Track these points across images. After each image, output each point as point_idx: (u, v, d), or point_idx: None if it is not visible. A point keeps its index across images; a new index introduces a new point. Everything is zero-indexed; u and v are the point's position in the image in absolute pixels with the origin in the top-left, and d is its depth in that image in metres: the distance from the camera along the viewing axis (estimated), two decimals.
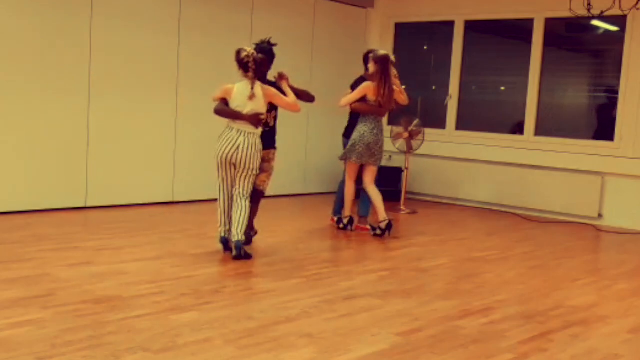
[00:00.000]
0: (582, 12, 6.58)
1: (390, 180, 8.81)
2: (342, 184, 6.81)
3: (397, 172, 8.88)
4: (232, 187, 5.33)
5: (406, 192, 8.66)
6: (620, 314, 4.42)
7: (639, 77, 7.79)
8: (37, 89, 6.63)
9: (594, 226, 7.86)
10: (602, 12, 6.47)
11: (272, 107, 5.45)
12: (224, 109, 5.24)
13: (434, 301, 4.46)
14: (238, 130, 5.20)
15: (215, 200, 5.41)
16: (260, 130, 5.27)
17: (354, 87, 6.65)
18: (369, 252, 6.04)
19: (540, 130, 8.56)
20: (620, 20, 7.81)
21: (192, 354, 3.30)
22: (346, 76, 9.49)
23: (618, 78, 7.97)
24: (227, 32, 8.06)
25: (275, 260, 5.34)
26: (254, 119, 5.18)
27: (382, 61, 6.36)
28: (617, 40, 8.08)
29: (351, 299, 4.39)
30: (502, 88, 9.62)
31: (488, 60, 9.52)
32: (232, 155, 5.19)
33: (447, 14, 9.18)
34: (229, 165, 5.24)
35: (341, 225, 6.70)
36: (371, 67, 6.42)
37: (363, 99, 6.44)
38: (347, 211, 6.68)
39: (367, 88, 6.39)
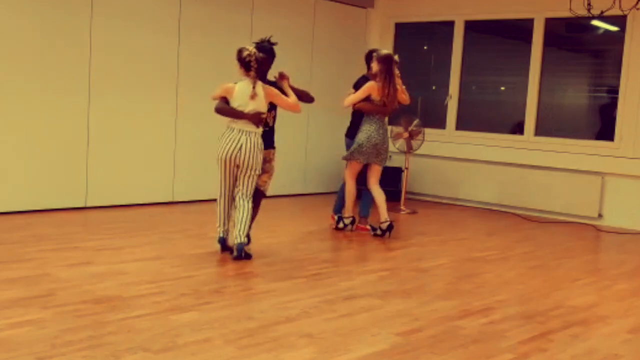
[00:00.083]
0: (582, 12, 6.58)
1: (390, 180, 8.80)
2: (345, 183, 6.78)
3: (397, 172, 8.88)
4: (234, 188, 5.32)
5: (406, 192, 8.66)
6: (620, 314, 4.42)
7: (639, 77, 7.79)
8: (37, 89, 6.63)
9: (594, 226, 7.86)
10: (602, 12, 6.47)
11: (271, 107, 5.44)
12: (225, 108, 5.22)
13: (434, 301, 4.46)
14: (239, 130, 5.18)
15: (214, 200, 5.40)
16: (261, 129, 5.26)
17: (356, 86, 6.62)
18: (369, 252, 6.04)
19: (540, 130, 8.56)
20: (620, 20, 7.82)
21: (192, 354, 3.30)
22: (346, 76, 9.50)
23: (618, 78, 7.97)
24: (227, 32, 8.06)
25: (275, 260, 5.34)
26: (255, 118, 5.18)
27: (386, 61, 6.35)
28: (617, 40, 8.08)
29: (351, 299, 4.39)
30: (502, 88, 9.63)
31: (488, 60, 9.52)
32: (235, 156, 5.17)
33: (447, 14, 9.18)
34: (232, 166, 5.22)
35: (341, 225, 6.68)
36: (374, 66, 6.40)
37: (367, 99, 6.42)
38: (348, 211, 6.66)
39: (372, 88, 6.37)
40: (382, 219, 6.49)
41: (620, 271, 5.73)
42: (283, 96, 5.38)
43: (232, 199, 5.33)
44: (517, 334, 3.89)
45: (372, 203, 6.68)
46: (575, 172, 8.12)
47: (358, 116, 6.60)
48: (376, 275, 5.11)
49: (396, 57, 6.43)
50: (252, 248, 5.42)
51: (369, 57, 6.76)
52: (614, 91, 8.11)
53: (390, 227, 6.47)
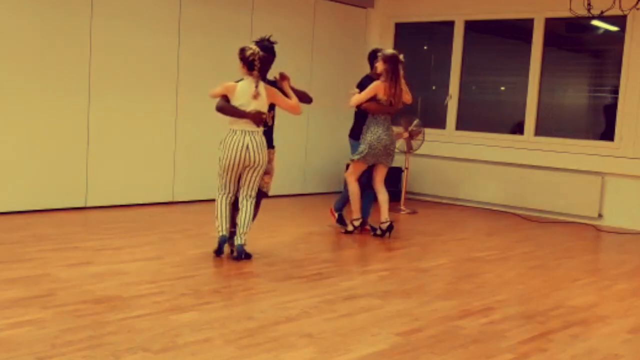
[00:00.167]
0: (582, 12, 6.58)
1: (390, 180, 8.77)
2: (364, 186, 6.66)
3: (397, 172, 8.88)
4: (236, 190, 5.30)
5: (406, 192, 8.66)
6: (620, 314, 4.42)
7: (639, 77, 7.79)
8: (37, 89, 6.63)
9: (594, 226, 7.86)
10: (602, 12, 6.47)
11: (270, 107, 5.42)
12: (227, 107, 5.16)
13: (434, 301, 4.46)
14: (242, 132, 5.14)
15: (214, 200, 5.38)
16: (262, 128, 5.24)
17: (360, 86, 6.56)
18: (369, 252, 6.04)
19: (540, 130, 8.56)
20: (620, 20, 7.82)
21: (192, 354, 3.30)
22: (346, 76, 9.53)
23: (618, 78, 7.97)
24: (227, 32, 8.06)
25: (275, 260, 5.34)
26: (256, 118, 5.14)
27: (392, 60, 6.31)
28: (617, 40, 8.08)
29: (351, 299, 4.39)
30: (502, 88, 9.63)
31: (488, 60, 9.52)
32: (244, 157, 5.12)
33: (447, 14, 9.18)
34: (239, 168, 5.17)
35: (350, 228, 6.55)
36: (379, 66, 6.35)
37: (372, 99, 6.38)
38: (356, 213, 6.54)
39: (378, 87, 6.32)
40: (383, 219, 6.48)
41: (620, 271, 5.73)
42: (284, 97, 5.36)
43: (232, 202, 5.30)
44: (517, 334, 3.89)
45: (373, 203, 6.66)
46: (575, 172, 8.12)
47: (361, 116, 6.56)
48: (376, 275, 5.11)
49: (401, 57, 6.39)
50: (252, 248, 5.42)
51: (372, 57, 6.74)
52: (613, 91, 8.12)
53: (390, 228, 6.47)
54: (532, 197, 8.43)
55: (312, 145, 9.27)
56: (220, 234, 5.26)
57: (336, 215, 6.79)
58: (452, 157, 9.05)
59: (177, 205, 7.75)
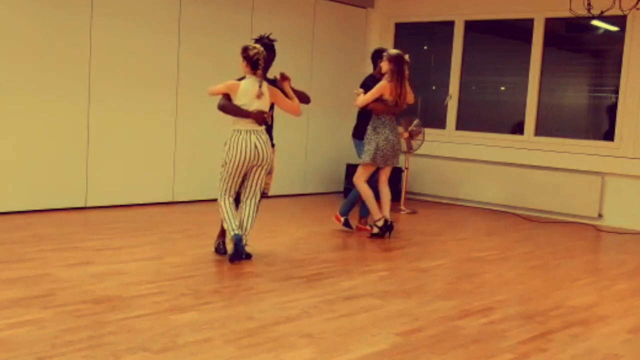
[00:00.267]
0: (582, 12, 6.58)
1: (390, 180, 8.76)
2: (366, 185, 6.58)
3: (397, 172, 8.87)
4: (240, 189, 5.28)
5: (406, 192, 8.66)
6: (620, 314, 4.42)
7: (639, 77, 7.79)
8: (37, 89, 6.63)
9: (594, 226, 7.86)
10: (602, 12, 6.48)
11: (270, 107, 5.41)
12: (230, 106, 5.10)
13: (434, 301, 4.46)
14: (247, 131, 5.10)
15: (214, 200, 5.37)
16: (263, 126, 5.22)
17: (364, 85, 6.52)
18: (369, 252, 6.04)
19: (540, 130, 8.56)
20: (620, 20, 7.82)
21: (192, 354, 3.30)
22: (346, 76, 9.54)
23: (618, 78, 7.97)
24: (227, 32, 8.06)
25: (275, 260, 5.34)
26: (259, 117, 5.10)
27: (397, 60, 6.28)
28: (617, 40, 8.08)
29: (351, 299, 4.39)
30: (502, 88, 9.63)
31: (488, 60, 9.52)
32: (252, 157, 5.08)
33: (447, 14, 9.18)
34: (245, 168, 5.13)
35: (375, 231, 6.42)
36: (385, 65, 6.31)
37: (378, 99, 6.33)
38: (376, 214, 6.44)
39: (384, 88, 6.28)
40: (382, 216, 6.49)
41: (620, 271, 5.73)
42: (286, 98, 5.32)
43: (235, 202, 5.26)
44: (517, 334, 3.89)
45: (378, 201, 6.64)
46: (575, 172, 8.12)
47: (365, 116, 6.52)
48: (376, 275, 5.11)
49: (407, 57, 6.36)
50: (252, 248, 5.41)
51: (376, 56, 6.71)
52: (613, 91, 8.12)
53: (389, 227, 6.47)
54: (532, 197, 8.43)
55: (312, 145, 9.27)
56: (233, 233, 5.09)
57: (342, 219, 6.69)
58: (452, 157, 9.05)
59: (177, 205, 7.75)
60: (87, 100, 6.99)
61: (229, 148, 5.12)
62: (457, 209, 8.70)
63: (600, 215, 8.01)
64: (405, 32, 9.68)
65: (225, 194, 5.22)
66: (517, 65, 8.85)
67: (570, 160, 8.17)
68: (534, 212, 8.42)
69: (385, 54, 6.40)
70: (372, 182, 6.54)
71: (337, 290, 4.58)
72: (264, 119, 5.17)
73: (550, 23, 8.45)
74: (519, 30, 8.97)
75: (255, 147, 5.10)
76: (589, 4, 6.45)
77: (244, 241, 5.18)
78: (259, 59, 5.06)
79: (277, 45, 5.47)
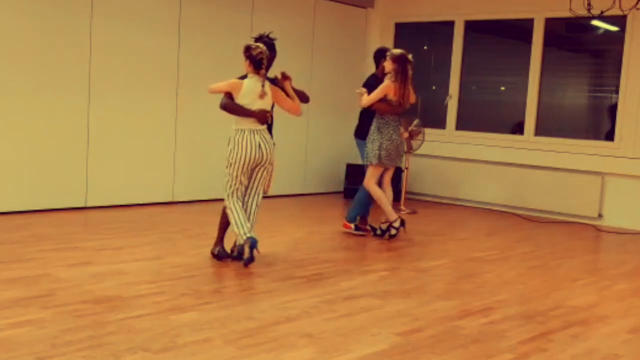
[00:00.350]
0: (582, 12, 6.58)
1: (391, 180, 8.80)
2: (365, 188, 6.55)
3: (397, 172, 8.86)
4: (246, 190, 5.26)
5: (406, 192, 8.66)
6: (620, 314, 4.42)
7: (639, 77, 7.79)
8: (37, 89, 6.63)
9: (594, 226, 7.86)
10: (602, 12, 6.48)
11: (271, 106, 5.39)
12: (232, 105, 5.05)
13: (434, 301, 4.46)
14: (250, 131, 5.06)
15: (214, 200, 5.37)
16: (265, 126, 5.20)
17: (367, 85, 6.48)
18: (369, 252, 6.04)
19: (540, 130, 8.56)
20: (620, 20, 7.82)
21: (192, 354, 3.30)
22: (346, 76, 9.54)
23: (618, 78, 7.97)
24: (227, 32, 8.06)
25: (275, 260, 5.34)
26: (262, 116, 5.06)
27: (401, 60, 6.25)
28: (617, 40, 8.08)
29: (351, 299, 4.39)
30: (502, 88, 9.63)
31: (488, 60, 9.52)
32: (257, 156, 5.05)
33: (447, 14, 9.18)
34: (251, 168, 5.09)
35: (393, 232, 6.39)
36: (388, 65, 6.27)
37: (382, 99, 6.28)
38: (391, 215, 6.40)
39: (389, 87, 6.25)
40: (384, 219, 6.49)
41: (620, 271, 5.73)
42: (287, 98, 5.29)
43: (242, 199, 5.24)
44: (517, 334, 3.89)
45: (373, 203, 6.65)
46: (575, 172, 8.12)
47: (367, 116, 6.50)
48: (376, 275, 5.11)
49: (410, 57, 6.34)
50: None
51: (378, 55, 6.69)
52: (614, 91, 8.11)
53: (389, 228, 6.48)
54: (532, 197, 8.43)
55: (312, 145, 9.27)
56: (246, 236, 5.00)
57: (352, 226, 6.59)
58: (452, 157, 9.05)
59: (177, 205, 7.75)
60: (87, 100, 6.99)
61: (233, 148, 5.07)
62: (457, 209, 8.70)
63: (600, 215, 8.01)
64: (405, 32, 9.69)
65: (232, 196, 5.13)
66: (517, 65, 8.85)
67: (570, 160, 8.17)
68: (534, 212, 8.42)
69: (388, 53, 6.35)
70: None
71: (337, 290, 4.58)
72: (267, 119, 5.14)
73: (550, 23, 8.45)
74: (519, 30, 8.97)
75: (260, 146, 5.07)
76: (589, 4, 6.45)
77: (241, 241, 5.17)
78: (262, 58, 5.03)
79: (277, 45, 5.46)
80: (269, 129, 5.49)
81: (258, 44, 5.13)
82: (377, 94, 6.27)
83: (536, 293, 4.82)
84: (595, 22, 8.25)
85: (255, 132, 5.08)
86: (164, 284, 4.47)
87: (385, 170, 6.48)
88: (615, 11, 6.59)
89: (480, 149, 8.83)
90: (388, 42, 9.55)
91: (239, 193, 5.15)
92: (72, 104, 6.90)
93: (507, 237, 6.97)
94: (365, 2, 9.65)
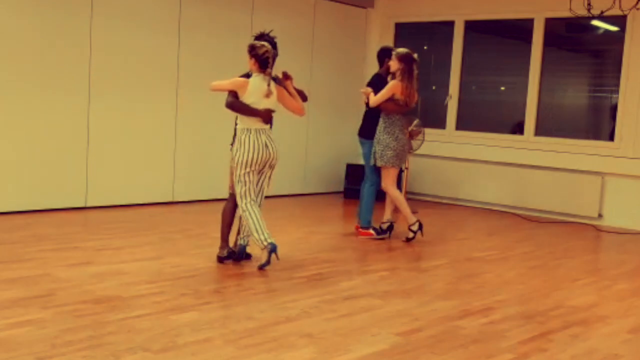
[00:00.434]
0: (582, 12, 6.58)
1: None
2: (372, 188, 6.50)
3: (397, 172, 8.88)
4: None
5: (406, 192, 8.66)
6: (620, 314, 4.42)
7: (639, 77, 7.79)
8: (37, 89, 6.63)
9: (594, 226, 7.86)
10: (602, 12, 6.48)
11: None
12: (238, 104, 4.99)
13: (434, 301, 4.46)
14: (256, 131, 5.01)
15: (214, 200, 5.37)
16: (269, 125, 5.18)
17: (372, 85, 6.44)
18: (369, 252, 6.04)
19: (540, 130, 8.56)
20: (620, 20, 7.82)
21: (192, 354, 3.30)
22: (346, 76, 9.54)
23: (618, 78, 7.97)
24: (227, 32, 8.06)
25: (275, 260, 5.33)
26: (267, 116, 5.03)
27: (408, 59, 6.23)
28: (617, 40, 8.08)
29: (351, 299, 4.39)
30: (502, 88, 9.63)
31: (488, 60, 9.52)
32: (265, 156, 5.01)
33: (447, 14, 9.18)
34: (259, 168, 5.05)
35: (410, 235, 6.34)
36: (394, 64, 6.24)
37: (389, 98, 6.25)
38: (409, 218, 6.37)
39: (395, 87, 6.22)
40: (385, 219, 6.50)
41: (620, 271, 5.73)
42: (292, 99, 5.27)
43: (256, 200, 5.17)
44: (517, 334, 3.89)
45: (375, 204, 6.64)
46: (575, 172, 8.12)
47: (372, 115, 6.46)
48: (376, 275, 5.11)
49: (415, 56, 6.31)
50: (252, 248, 5.41)
51: (382, 55, 6.65)
52: (614, 91, 8.11)
53: (390, 227, 6.48)
54: (532, 197, 8.43)
55: (312, 145, 9.27)
56: (268, 242, 4.95)
57: (372, 232, 6.47)
58: (452, 157, 9.05)
59: (177, 205, 7.75)
60: (87, 100, 6.99)
61: (239, 148, 5.00)
62: (457, 209, 8.70)
63: (600, 215, 8.01)
64: (405, 32, 9.68)
65: (245, 198, 5.02)
66: (517, 65, 8.85)
67: (570, 160, 8.17)
68: (534, 212, 8.42)
69: (394, 52, 6.31)
70: (378, 182, 6.51)
71: (337, 290, 4.58)
72: (271, 118, 5.12)
73: (550, 23, 8.45)
74: (519, 30, 8.97)
75: (266, 146, 5.03)
76: (589, 4, 6.45)
77: (245, 242, 5.17)
78: (268, 57, 4.99)
79: (276, 39, 5.41)
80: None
81: (263, 42, 5.07)
82: (385, 93, 6.23)
83: (536, 293, 4.82)
84: (595, 22, 8.25)
85: (261, 132, 5.04)
86: (164, 284, 4.47)
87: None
88: (615, 11, 6.59)
89: (480, 149, 8.83)
90: (388, 42, 9.53)
91: (252, 193, 5.07)
92: (72, 104, 6.90)
93: (507, 237, 6.97)
94: (365, 2, 9.65)
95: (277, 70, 5.44)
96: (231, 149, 5.26)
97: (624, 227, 7.77)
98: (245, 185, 5.03)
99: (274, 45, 5.27)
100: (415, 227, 6.36)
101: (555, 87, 8.80)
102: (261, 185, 5.16)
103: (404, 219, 6.51)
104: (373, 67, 9.01)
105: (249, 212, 5.00)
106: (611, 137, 8.04)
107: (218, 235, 5.32)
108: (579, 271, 5.63)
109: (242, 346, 3.43)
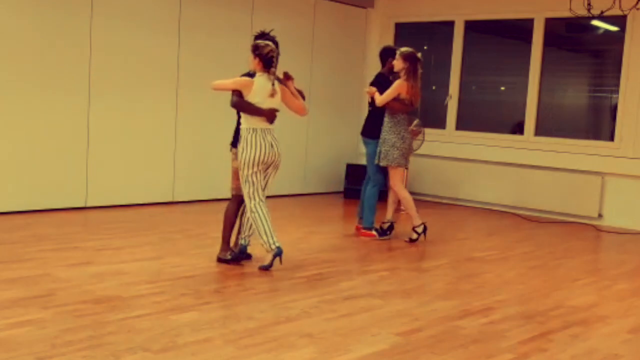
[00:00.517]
0: (582, 12, 6.58)
1: None
2: (374, 189, 6.50)
3: None
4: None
5: None
6: (620, 314, 4.42)
7: (639, 77, 7.79)
8: (37, 89, 6.63)
9: (594, 226, 7.86)
10: (602, 12, 6.48)
11: None
12: (243, 103, 4.96)
13: (434, 301, 4.46)
14: (262, 131, 4.99)
15: (214, 200, 5.37)
16: (273, 125, 5.17)
17: (376, 84, 6.42)
18: (369, 252, 6.04)
19: (540, 130, 8.56)
20: (620, 20, 7.82)
21: (192, 354, 3.30)
22: (346, 76, 9.54)
23: (618, 78, 7.97)
24: (227, 32, 8.06)
25: (276, 262, 5.32)
26: (271, 115, 5.02)
27: (412, 59, 6.23)
28: (617, 40, 8.08)
29: (351, 299, 4.39)
30: (502, 88, 9.63)
31: (488, 60, 9.52)
32: (270, 156, 5.00)
33: (447, 14, 9.18)
34: (265, 168, 5.04)
35: (414, 237, 6.37)
36: (398, 64, 6.23)
37: (395, 98, 6.24)
38: (416, 220, 6.40)
39: (401, 86, 6.21)
40: (386, 219, 6.51)
41: (620, 271, 5.73)
42: (295, 99, 5.27)
43: (241, 200, 5.16)
44: (517, 334, 3.89)
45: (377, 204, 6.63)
46: (575, 172, 8.12)
47: (377, 115, 6.44)
48: (376, 275, 5.11)
49: (419, 55, 6.31)
50: (252, 248, 5.41)
51: (384, 54, 6.63)
52: (614, 91, 8.12)
53: (391, 227, 6.48)
54: (532, 197, 8.42)
55: (312, 145, 9.27)
56: (275, 245, 4.95)
57: (374, 233, 6.49)
58: (452, 157, 9.05)
59: (177, 205, 7.75)
60: (87, 100, 6.99)
61: (245, 148, 4.97)
62: (457, 209, 8.70)
63: (600, 215, 8.01)
64: (405, 32, 9.68)
65: (253, 199, 5.00)
66: (517, 65, 8.85)
67: (570, 160, 8.17)
68: (534, 212, 8.42)
69: (399, 52, 6.30)
70: (381, 183, 6.50)
71: (337, 290, 4.58)
72: (275, 118, 5.11)
73: (550, 23, 8.45)
74: (519, 30, 8.97)
75: (272, 146, 5.01)
76: (589, 4, 6.45)
77: (246, 242, 5.16)
78: (273, 56, 4.97)
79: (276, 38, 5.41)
80: None
81: (267, 42, 5.04)
82: (391, 92, 6.22)
83: (536, 293, 4.83)
84: (595, 22, 8.25)
85: (267, 132, 5.02)
86: (164, 284, 4.47)
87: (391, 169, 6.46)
88: (615, 11, 6.59)
89: (480, 149, 8.83)
90: (388, 42, 9.52)
91: (261, 193, 5.05)
92: (72, 104, 6.90)
93: (507, 237, 6.97)
94: (365, 2, 9.65)
95: (278, 70, 5.43)
96: (231, 150, 5.27)
97: (624, 227, 7.77)
98: (253, 185, 5.01)
99: (275, 44, 5.25)
100: (420, 229, 6.39)
101: (555, 87, 8.80)
102: (265, 185, 5.15)
103: (408, 219, 6.52)
104: (373, 67, 9.03)
105: (257, 213, 4.98)
106: (611, 137, 8.04)
107: (218, 235, 5.32)
108: (579, 271, 5.63)
109: (242, 346, 3.43)
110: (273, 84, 5.01)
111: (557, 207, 8.24)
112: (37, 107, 6.66)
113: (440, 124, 9.25)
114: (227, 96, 5.19)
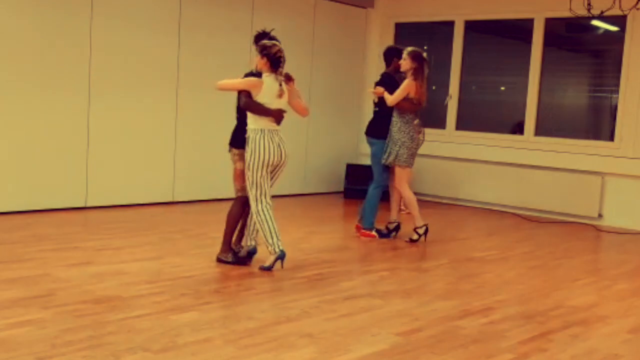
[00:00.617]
0: (582, 12, 6.58)
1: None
2: (377, 190, 6.48)
3: None
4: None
5: None
6: (620, 314, 4.42)
7: (639, 77, 7.79)
8: (37, 89, 6.63)
9: (594, 226, 7.86)
10: (602, 12, 6.48)
11: None
12: (253, 103, 4.93)
13: (434, 301, 4.46)
14: (270, 132, 4.99)
15: (214, 200, 5.37)
16: (280, 125, 5.15)
17: (383, 84, 6.39)
18: (370, 252, 6.04)
19: (540, 130, 8.56)
20: (620, 20, 7.82)
21: (192, 354, 3.30)
22: (346, 76, 9.54)
23: (618, 78, 7.97)
24: (227, 32, 8.06)
25: (276, 262, 5.32)
26: (279, 116, 5.01)
27: (419, 58, 6.23)
28: (617, 40, 8.08)
29: (351, 299, 4.39)
30: (502, 88, 9.63)
31: (488, 60, 9.52)
32: (278, 157, 5.01)
33: (447, 14, 9.18)
34: (271, 169, 5.03)
35: (415, 237, 6.37)
36: (406, 64, 6.23)
37: (404, 97, 6.23)
38: (418, 220, 6.39)
39: (410, 86, 6.20)
40: (392, 219, 6.52)
41: (620, 271, 5.73)
42: (299, 99, 5.25)
43: (245, 202, 5.13)
44: (517, 334, 3.89)
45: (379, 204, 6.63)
46: (575, 172, 8.12)
47: (383, 115, 6.42)
48: (376, 275, 5.11)
49: (425, 55, 6.30)
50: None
51: (389, 54, 6.61)
52: (614, 91, 8.12)
53: (397, 228, 6.51)
54: (532, 197, 8.42)
55: (312, 145, 9.27)
56: (279, 248, 4.96)
57: (374, 233, 6.49)
58: (452, 157, 9.05)
59: (177, 205, 7.75)
60: (87, 100, 6.99)
61: (254, 149, 4.94)
62: (457, 209, 8.70)
63: (600, 215, 8.01)
64: (405, 32, 9.68)
65: (260, 202, 4.97)
66: (517, 65, 8.85)
67: (570, 160, 8.17)
68: (534, 212, 8.42)
69: (406, 51, 6.29)
70: (384, 184, 6.50)
71: (337, 290, 4.58)
72: (282, 118, 5.09)
73: (550, 23, 8.45)
74: (519, 30, 8.97)
75: (279, 146, 5.01)
76: (589, 4, 6.45)
77: (257, 241, 5.14)
78: (281, 56, 4.95)
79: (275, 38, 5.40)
80: None
81: (274, 42, 5.03)
82: (400, 92, 6.20)
83: (536, 293, 4.83)
84: (595, 22, 8.25)
85: (274, 133, 5.01)
86: (164, 284, 4.47)
87: (392, 169, 6.46)
88: (615, 11, 6.59)
89: (480, 149, 8.83)
90: (388, 42, 9.52)
91: (268, 195, 5.03)
92: (72, 104, 6.90)
93: (507, 237, 6.97)
94: (365, 2, 9.65)
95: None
96: (230, 150, 5.26)
97: (624, 227, 7.76)
98: (261, 188, 4.99)
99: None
100: (421, 231, 6.39)
101: (555, 87, 8.80)
102: (270, 185, 5.14)
103: (409, 220, 6.53)
104: (373, 67, 9.04)
105: (264, 216, 4.97)
106: (611, 137, 8.04)
107: (218, 235, 5.32)
108: (579, 271, 5.63)
109: (242, 346, 3.43)
110: (280, 85, 4.99)
111: (557, 207, 8.24)
112: (37, 107, 6.66)
113: (440, 124, 9.25)
114: (228, 96, 5.19)
